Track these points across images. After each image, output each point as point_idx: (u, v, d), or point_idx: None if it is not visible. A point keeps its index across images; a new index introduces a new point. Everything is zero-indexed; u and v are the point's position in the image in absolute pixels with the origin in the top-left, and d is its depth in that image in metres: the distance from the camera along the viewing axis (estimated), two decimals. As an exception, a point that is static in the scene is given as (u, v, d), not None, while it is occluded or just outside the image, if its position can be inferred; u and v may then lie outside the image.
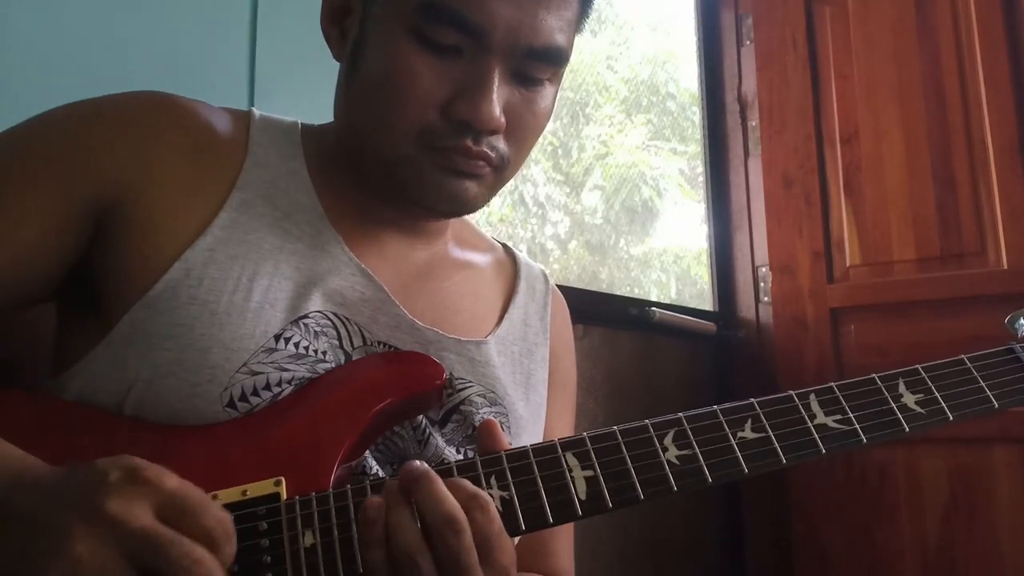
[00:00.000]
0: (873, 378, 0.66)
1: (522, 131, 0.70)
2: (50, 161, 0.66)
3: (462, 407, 0.73)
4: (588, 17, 0.74)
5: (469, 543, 0.53)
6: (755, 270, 2.15)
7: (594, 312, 1.80)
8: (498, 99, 0.66)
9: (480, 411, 0.73)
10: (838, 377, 0.67)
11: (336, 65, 0.76)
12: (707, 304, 2.25)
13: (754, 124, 2.18)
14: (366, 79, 0.69)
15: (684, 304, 2.25)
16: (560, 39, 0.68)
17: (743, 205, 2.21)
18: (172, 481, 0.49)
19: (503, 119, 0.67)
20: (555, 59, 0.69)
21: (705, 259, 2.31)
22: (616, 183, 2.36)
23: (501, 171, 0.71)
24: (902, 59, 1.96)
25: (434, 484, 0.54)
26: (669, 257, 2.48)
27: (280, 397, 0.64)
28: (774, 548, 1.99)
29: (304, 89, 1.21)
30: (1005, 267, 1.79)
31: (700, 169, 2.35)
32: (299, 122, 0.79)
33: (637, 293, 2.30)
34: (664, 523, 1.89)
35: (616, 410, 1.81)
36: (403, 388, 0.66)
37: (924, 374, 0.67)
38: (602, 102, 2.40)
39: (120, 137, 0.67)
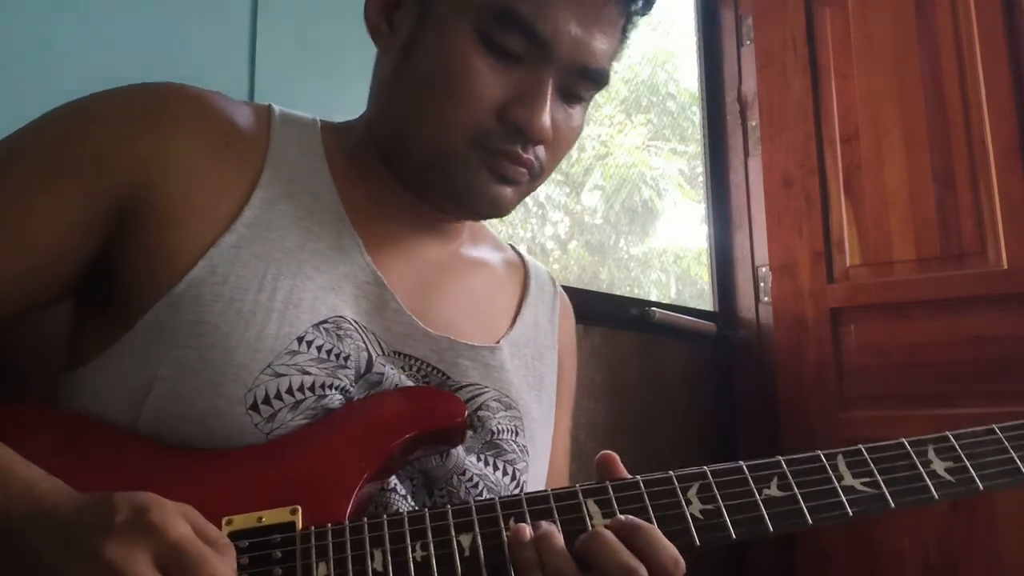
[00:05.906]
0: (902, 442, 0.66)
1: (559, 144, 0.73)
2: (70, 158, 0.65)
3: (479, 413, 0.72)
4: (621, 53, 0.77)
5: None
6: (755, 270, 2.15)
7: (594, 312, 1.80)
8: (550, 110, 0.68)
9: (496, 415, 0.73)
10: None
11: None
12: (707, 304, 2.25)
13: (754, 124, 2.18)
14: (423, 72, 0.69)
15: (684, 304, 2.25)
16: (607, 64, 0.72)
17: (743, 205, 2.21)
18: (178, 529, 0.48)
19: (551, 130, 0.69)
20: (601, 81, 0.72)
21: (705, 259, 2.30)
22: (616, 183, 2.36)
23: (535, 181, 0.73)
24: (902, 59, 1.96)
25: (653, 534, 0.55)
26: (669, 257, 2.48)
27: (301, 406, 0.63)
28: (774, 548, 1.99)
29: (304, 87, 1.21)
30: (1005, 267, 1.79)
31: (700, 169, 2.34)
32: (318, 119, 0.78)
33: (637, 293, 2.31)
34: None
35: (616, 410, 1.81)
36: (422, 425, 0.65)
37: (954, 441, 0.67)
38: (602, 102, 2.40)
39: (141, 131, 0.66)
